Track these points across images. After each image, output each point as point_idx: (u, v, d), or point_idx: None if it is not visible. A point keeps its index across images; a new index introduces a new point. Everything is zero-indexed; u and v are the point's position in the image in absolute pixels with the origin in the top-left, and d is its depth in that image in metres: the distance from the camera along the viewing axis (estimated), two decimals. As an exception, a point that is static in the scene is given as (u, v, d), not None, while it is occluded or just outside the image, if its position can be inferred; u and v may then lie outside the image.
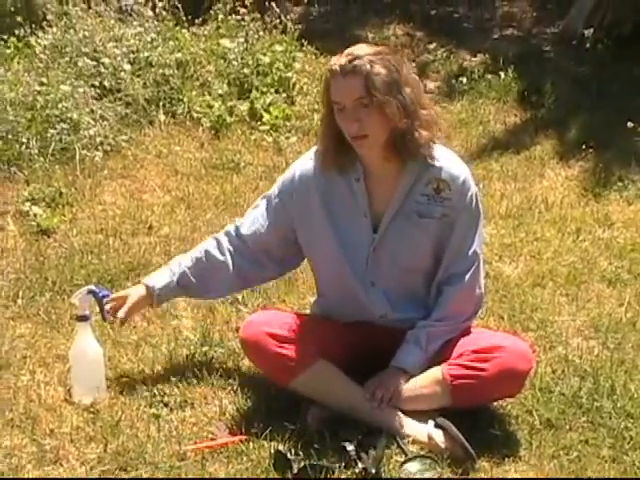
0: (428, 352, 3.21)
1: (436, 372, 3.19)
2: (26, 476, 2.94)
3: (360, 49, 3.13)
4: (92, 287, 3.44)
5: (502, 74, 7.27)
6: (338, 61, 3.11)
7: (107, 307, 3.39)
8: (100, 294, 3.40)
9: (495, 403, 3.29)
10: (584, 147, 6.00)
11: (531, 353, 3.24)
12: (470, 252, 3.24)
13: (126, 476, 2.94)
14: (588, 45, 7.98)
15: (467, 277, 3.23)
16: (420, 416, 3.15)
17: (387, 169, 3.21)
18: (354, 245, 3.27)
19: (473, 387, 3.14)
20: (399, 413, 3.16)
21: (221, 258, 3.40)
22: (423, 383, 3.20)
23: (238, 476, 2.94)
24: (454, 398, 3.16)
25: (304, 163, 3.34)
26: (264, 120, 6.30)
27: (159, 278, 3.41)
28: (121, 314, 3.36)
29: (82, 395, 3.30)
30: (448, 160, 3.22)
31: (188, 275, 3.39)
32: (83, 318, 3.34)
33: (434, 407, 3.17)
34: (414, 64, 7.76)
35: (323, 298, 3.48)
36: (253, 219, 3.40)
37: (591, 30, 7.99)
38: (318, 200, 3.27)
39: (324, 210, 3.27)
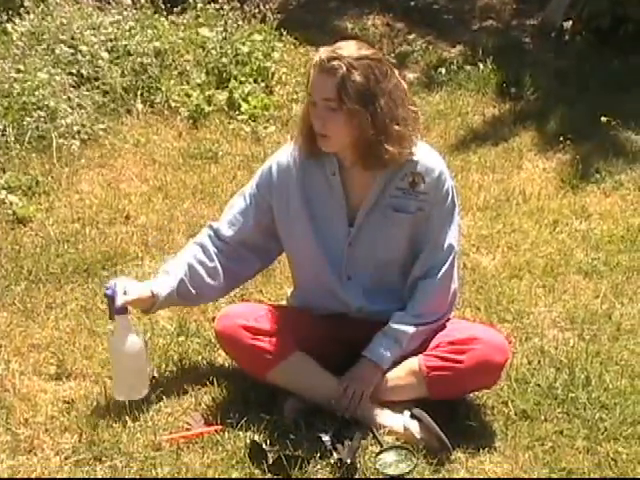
0: (405, 351, 3.20)
1: (412, 363, 3.19)
2: (1, 465, 2.93)
3: (346, 48, 3.07)
4: (111, 286, 3.20)
5: (481, 66, 7.29)
6: (322, 53, 3.08)
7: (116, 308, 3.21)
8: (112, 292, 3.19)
9: (471, 394, 3.29)
10: (562, 139, 6.01)
11: (507, 345, 3.25)
12: (445, 245, 3.23)
13: (100, 466, 2.93)
14: (567, 37, 8.02)
15: (442, 270, 3.22)
16: (396, 407, 3.16)
17: (358, 167, 3.20)
18: (331, 238, 3.26)
19: (449, 379, 3.14)
20: (375, 404, 3.16)
21: (211, 265, 3.33)
22: (399, 374, 3.19)
23: (213, 466, 2.93)
24: (430, 389, 3.16)
25: (281, 156, 3.32)
26: (242, 110, 6.29)
27: (163, 286, 3.27)
28: (119, 300, 3.17)
29: (125, 391, 3.20)
30: (424, 154, 3.20)
31: (186, 284, 3.29)
32: (122, 310, 3.18)
33: (410, 398, 3.17)
34: (393, 55, 7.79)
35: (300, 290, 3.47)
36: (232, 218, 3.36)
37: (570, 22, 8.03)
38: (296, 193, 3.26)
39: (302, 201, 3.26)
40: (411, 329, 3.19)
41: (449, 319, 3.31)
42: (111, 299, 3.16)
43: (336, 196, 3.23)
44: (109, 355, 3.33)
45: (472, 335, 3.18)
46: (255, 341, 3.17)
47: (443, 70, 7.40)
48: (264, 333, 3.18)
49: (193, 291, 3.31)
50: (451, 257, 3.24)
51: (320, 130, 3.10)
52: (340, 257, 3.26)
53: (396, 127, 3.09)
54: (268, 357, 3.17)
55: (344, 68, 3.01)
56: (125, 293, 3.17)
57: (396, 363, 3.20)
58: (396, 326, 3.19)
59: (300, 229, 3.28)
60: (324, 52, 3.08)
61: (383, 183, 3.19)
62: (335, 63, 3.02)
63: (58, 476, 2.90)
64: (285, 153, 3.32)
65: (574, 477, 2.96)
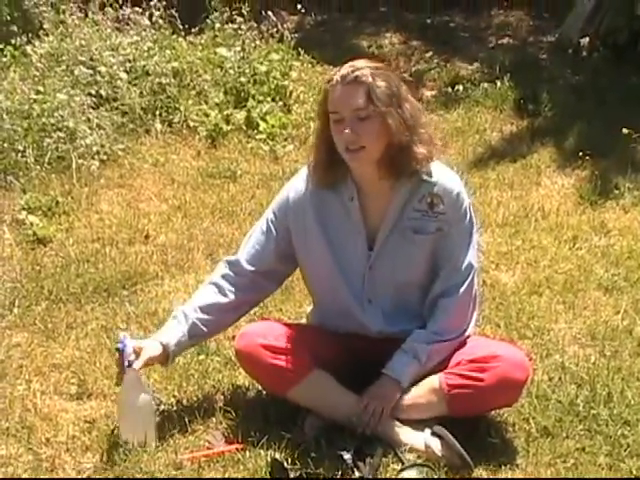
0: (425, 367, 3.19)
1: (433, 381, 3.18)
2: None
3: (360, 62, 3.13)
4: (122, 340, 3.18)
5: (498, 82, 7.30)
6: (339, 72, 3.11)
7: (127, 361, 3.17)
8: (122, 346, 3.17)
9: (492, 412, 3.28)
10: (580, 155, 6.00)
11: (528, 362, 3.24)
12: (465, 264, 3.23)
13: (122, 485, 2.93)
14: (584, 54, 8.02)
15: (463, 288, 3.22)
16: (417, 425, 3.15)
17: (379, 186, 3.20)
18: (350, 262, 3.26)
19: (470, 397, 3.13)
20: (396, 422, 3.15)
21: (225, 301, 3.33)
22: (420, 392, 3.19)
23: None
24: (450, 407, 3.15)
25: (297, 183, 3.33)
26: (260, 129, 6.31)
27: (172, 334, 3.27)
28: (136, 365, 3.15)
29: (129, 437, 3.12)
30: (441, 174, 3.20)
31: (198, 325, 3.29)
32: (130, 364, 3.14)
33: (430, 416, 3.16)
34: (410, 73, 7.81)
35: (319, 310, 3.47)
36: (251, 249, 3.35)
37: (587, 39, 8.02)
38: (313, 219, 3.26)
39: (319, 228, 3.26)
40: (430, 346, 3.18)
41: (469, 336, 3.30)
42: (122, 353, 3.13)
43: (354, 221, 3.23)
44: (117, 407, 3.24)
45: (493, 353, 3.17)
46: (275, 360, 3.17)
47: (460, 87, 7.41)
48: (284, 352, 3.18)
49: (205, 329, 3.31)
50: (471, 275, 3.24)
51: (354, 143, 3.09)
52: (360, 281, 3.26)
53: (421, 130, 3.16)
54: (288, 375, 3.17)
55: (369, 77, 3.07)
56: (134, 355, 3.15)
57: (417, 381, 3.20)
58: (415, 343, 3.19)
59: (319, 255, 3.28)
60: (343, 69, 3.11)
61: (401, 205, 3.19)
62: (359, 73, 3.07)
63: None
64: (301, 179, 3.32)
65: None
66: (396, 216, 3.20)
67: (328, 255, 3.25)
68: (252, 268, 3.33)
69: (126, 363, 3.11)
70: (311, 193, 3.27)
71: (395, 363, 3.19)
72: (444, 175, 3.21)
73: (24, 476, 2.97)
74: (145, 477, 2.93)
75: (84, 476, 2.98)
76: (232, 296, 3.33)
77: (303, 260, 3.35)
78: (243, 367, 3.36)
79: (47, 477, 2.88)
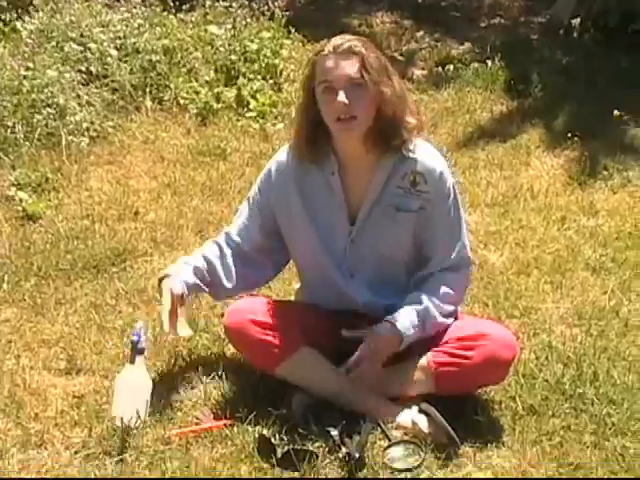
0: (426, 330, 3.16)
1: (421, 359, 3.20)
2: (10, 460, 2.94)
3: (348, 36, 3.15)
4: (138, 331, 3.22)
5: (489, 63, 7.28)
6: (333, 41, 3.12)
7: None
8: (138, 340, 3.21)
9: (479, 390, 3.30)
10: (570, 136, 6.00)
11: (515, 341, 3.26)
12: (457, 244, 3.25)
13: (110, 460, 2.94)
14: (575, 35, 8.01)
15: (459, 266, 3.25)
16: (404, 402, 3.16)
17: (363, 161, 3.20)
18: (333, 236, 3.27)
19: (457, 374, 3.16)
20: (383, 398, 3.18)
21: (225, 261, 3.37)
22: (408, 370, 3.21)
23: (222, 460, 2.95)
24: (438, 385, 3.18)
25: (280, 158, 3.34)
26: (251, 107, 6.30)
27: (184, 274, 3.30)
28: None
29: (119, 417, 3.08)
30: (425, 153, 3.21)
31: (202, 271, 3.32)
32: (142, 351, 3.20)
33: (418, 393, 3.19)
34: (401, 52, 7.80)
35: (306, 286, 3.49)
36: (240, 224, 3.39)
37: (578, 20, 8.01)
38: (296, 193, 3.27)
39: (302, 202, 3.27)
40: (438, 318, 3.19)
41: (457, 317, 3.32)
42: (135, 344, 3.17)
43: (336, 196, 3.24)
44: (115, 388, 3.19)
45: (480, 331, 3.19)
46: (264, 335, 3.18)
47: (451, 67, 7.39)
48: (273, 328, 3.20)
49: (209, 277, 3.34)
50: (463, 255, 3.26)
51: (346, 112, 3.08)
52: (342, 255, 3.27)
53: (409, 99, 3.22)
54: (276, 351, 3.19)
55: (361, 47, 3.09)
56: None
57: (404, 359, 3.21)
58: (427, 306, 3.17)
59: (302, 229, 3.29)
60: (334, 40, 3.12)
61: (383, 181, 3.20)
62: (352, 44, 3.09)
63: (69, 470, 2.91)
64: (284, 154, 3.34)
65: (582, 472, 2.97)
66: (378, 192, 3.20)
67: (311, 229, 3.26)
68: (244, 243, 3.36)
69: (137, 349, 3.17)
70: (294, 168, 3.28)
71: (403, 317, 3.14)
72: (428, 153, 3.21)
73: (12, 450, 2.98)
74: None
75: (72, 451, 2.99)
76: (230, 260, 3.36)
77: (287, 234, 3.36)
78: (232, 343, 3.38)
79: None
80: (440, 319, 3.20)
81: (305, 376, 3.21)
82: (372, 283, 3.29)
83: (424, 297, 3.19)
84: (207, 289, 3.39)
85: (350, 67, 3.07)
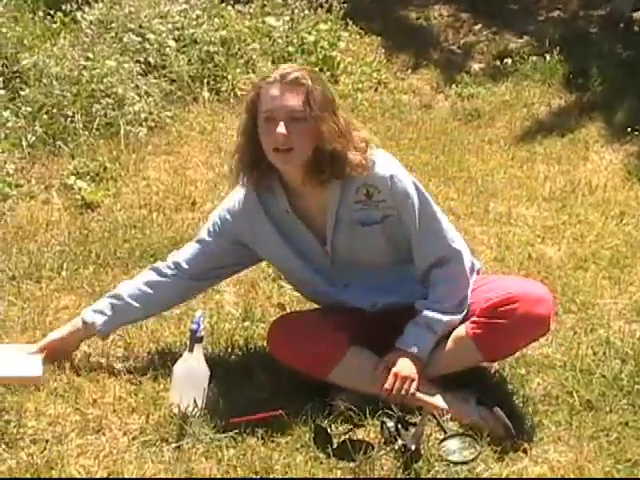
0: (438, 336, 3.19)
1: (460, 332, 3.19)
2: (69, 445, 2.97)
3: (293, 67, 3.13)
4: (197, 320, 3.23)
5: (547, 56, 7.25)
6: (276, 71, 3.09)
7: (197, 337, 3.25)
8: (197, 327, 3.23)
9: (535, 384, 3.29)
10: (629, 131, 5.96)
11: (548, 294, 3.20)
12: (441, 238, 3.22)
13: (167, 447, 2.96)
14: (636, 28, 7.92)
15: (449, 257, 3.22)
16: (461, 390, 3.15)
17: (311, 187, 3.18)
18: (312, 258, 3.28)
19: (498, 338, 3.13)
20: (439, 390, 3.16)
21: (163, 280, 3.41)
22: (450, 347, 3.20)
23: (278, 450, 2.95)
24: (484, 354, 3.18)
25: (229, 204, 3.33)
26: (308, 98, 6.30)
27: (98, 312, 3.39)
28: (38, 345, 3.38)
29: (177, 404, 3.12)
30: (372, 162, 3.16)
31: (130, 304, 3.38)
32: (200, 339, 3.22)
33: (467, 366, 3.19)
34: (459, 45, 7.77)
35: (307, 298, 3.54)
36: (191, 255, 3.40)
37: (639, 13, 7.92)
38: (266, 226, 3.26)
39: (275, 233, 3.26)
40: (446, 317, 3.18)
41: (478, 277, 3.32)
42: (194, 332, 3.19)
43: (298, 228, 3.23)
44: (173, 376, 3.23)
45: (510, 293, 3.14)
46: (310, 348, 3.17)
47: (509, 61, 7.37)
48: (316, 338, 3.19)
49: (138, 305, 3.39)
50: (452, 243, 3.24)
51: (284, 144, 3.05)
52: (329, 272, 3.28)
53: (355, 133, 3.14)
54: (325, 360, 3.18)
55: (308, 79, 3.05)
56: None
57: (442, 337, 3.20)
58: (427, 314, 3.18)
59: (283, 256, 3.30)
60: (280, 69, 3.10)
61: (337, 201, 3.17)
62: (299, 74, 3.06)
63: (126, 456, 2.94)
64: (232, 200, 3.32)
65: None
66: (335, 212, 3.18)
67: (289, 252, 3.27)
68: (188, 268, 3.38)
69: (195, 338, 3.18)
70: (253, 204, 3.27)
71: (410, 337, 3.18)
72: (374, 164, 3.15)
73: (71, 435, 3.02)
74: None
75: (130, 437, 3.02)
76: (171, 277, 3.40)
77: (269, 260, 3.43)
78: (281, 362, 3.30)
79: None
80: (445, 318, 3.18)
81: (357, 378, 3.18)
82: (368, 287, 3.28)
83: (423, 307, 3.19)
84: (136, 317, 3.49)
85: (293, 99, 3.04)
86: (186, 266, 3.38)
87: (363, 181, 3.14)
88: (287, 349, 3.24)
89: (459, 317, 3.21)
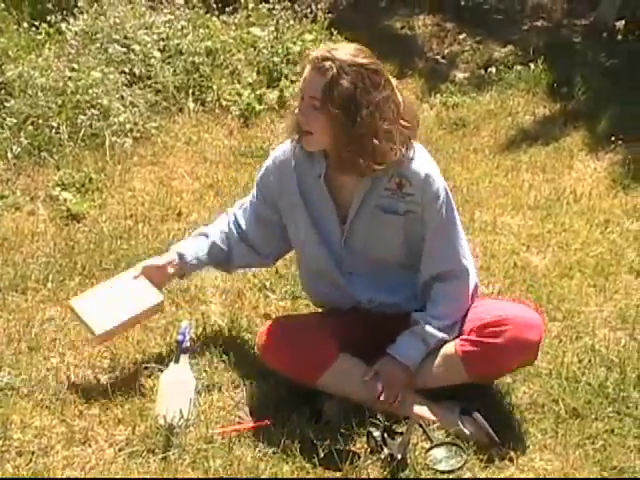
0: (430, 349, 3.20)
1: (448, 348, 3.20)
2: (55, 457, 2.97)
3: (343, 51, 3.06)
4: (183, 330, 3.24)
5: (532, 65, 7.27)
6: (318, 51, 3.09)
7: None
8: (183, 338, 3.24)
9: (521, 393, 3.30)
10: (613, 139, 5.98)
11: (540, 320, 3.20)
12: (454, 249, 3.24)
13: (153, 458, 2.96)
14: (619, 37, 7.96)
15: (456, 273, 3.24)
16: (445, 402, 3.16)
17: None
18: (329, 233, 3.29)
19: (485, 359, 3.13)
20: (425, 400, 3.17)
21: (237, 232, 3.47)
22: (438, 362, 3.20)
23: (265, 459, 2.95)
24: (469, 373, 3.16)
25: (278, 153, 3.37)
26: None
27: (190, 247, 3.46)
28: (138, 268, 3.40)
29: (163, 415, 3.11)
30: (413, 157, 3.17)
31: (218, 244, 3.45)
32: (186, 350, 3.21)
33: (451, 383, 3.18)
34: (443, 55, 7.80)
35: (309, 284, 3.51)
36: (244, 209, 3.47)
37: (622, 22, 7.97)
38: (294, 189, 3.29)
39: (300, 196, 3.29)
40: (440, 334, 3.19)
41: (474, 300, 3.31)
42: (180, 343, 3.19)
43: (324, 197, 3.25)
44: (159, 387, 3.23)
45: (503, 316, 3.14)
46: (299, 354, 3.17)
47: (493, 70, 7.39)
48: (306, 343, 3.19)
49: (225, 248, 3.45)
50: (463, 260, 3.25)
51: (304, 126, 3.11)
52: (339, 252, 3.29)
53: (374, 141, 3.07)
54: (314, 366, 3.18)
55: (334, 70, 3.01)
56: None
57: (432, 351, 3.21)
58: (424, 327, 3.19)
59: (302, 224, 3.31)
60: (320, 50, 3.09)
61: (370, 183, 3.18)
62: (327, 64, 3.02)
63: (112, 467, 2.93)
64: (281, 150, 3.35)
65: (625, 476, 2.95)
66: (365, 192, 3.19)
67: (308, 219, 3.29)
68: (244, 223, 3.45)
69: (182, 348, 3.19)
70: (291, 162, 3.31)
71: (403, 346, 3.20)
72: (415, 159, 3.17)
73: (57, 447, 3.01)
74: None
75: (116, 448, 3.01)
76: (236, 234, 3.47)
77: (287, 220, 3.38)
78: (269, 366, 3.30)
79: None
80: (440, 335, 3.19)
81: (346, 384, 3.18)
82: (370, 281, 3.30)
83: (422, 320, 3.20)
84: (219, 261, 3.53)
85: (315, 87, 3.04)
86: (251, 237, 3.45)
87: (398, 170, 3.15)
88: (277, 354, 3.24)
89: (452, 336, 3.22)
